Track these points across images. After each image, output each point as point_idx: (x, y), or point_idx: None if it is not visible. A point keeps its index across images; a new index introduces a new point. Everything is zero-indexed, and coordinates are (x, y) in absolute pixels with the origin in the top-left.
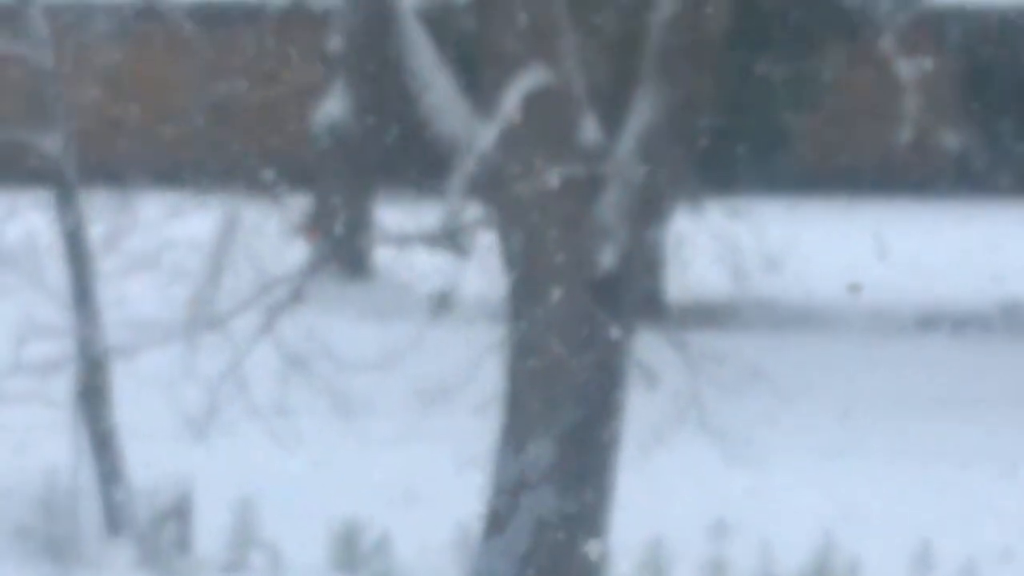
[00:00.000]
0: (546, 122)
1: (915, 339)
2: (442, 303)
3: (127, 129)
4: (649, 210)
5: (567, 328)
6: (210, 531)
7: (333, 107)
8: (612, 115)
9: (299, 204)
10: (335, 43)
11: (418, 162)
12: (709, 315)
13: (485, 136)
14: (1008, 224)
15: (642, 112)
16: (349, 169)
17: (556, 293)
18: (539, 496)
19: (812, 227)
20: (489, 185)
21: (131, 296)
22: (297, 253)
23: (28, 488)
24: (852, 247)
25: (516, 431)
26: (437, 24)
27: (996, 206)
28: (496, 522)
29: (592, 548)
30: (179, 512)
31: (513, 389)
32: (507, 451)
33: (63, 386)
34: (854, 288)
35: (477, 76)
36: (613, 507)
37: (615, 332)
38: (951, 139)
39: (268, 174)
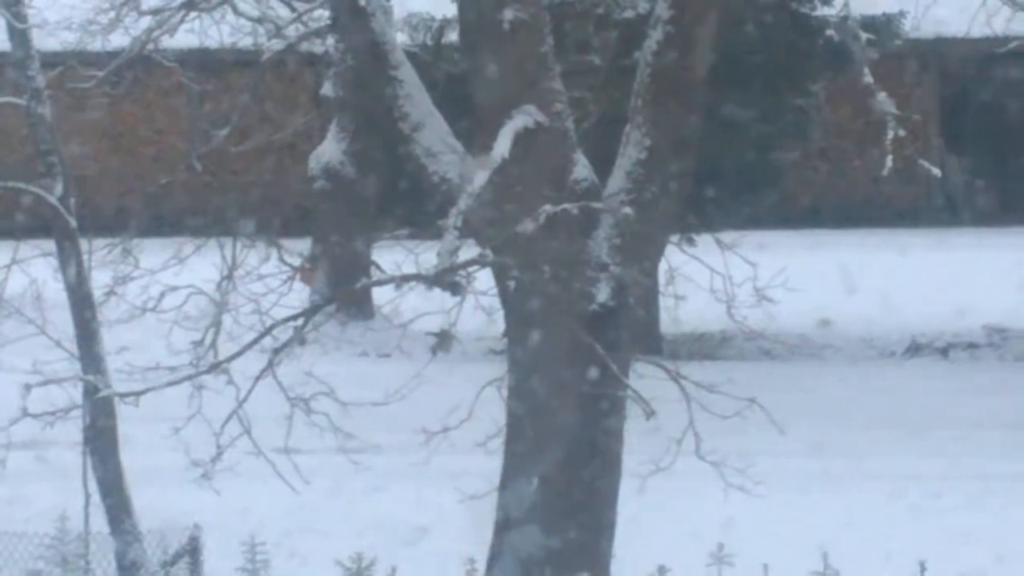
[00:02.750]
0: (538, 162)
1: (905, 365)
2: (441, 341)
3: (125, 177)
4: (641, 245)
5: (564, 363)
6: (221, 573)
7: (329, 150)
8: (602, 153)
9: (298, 247)
10: (329, 87)
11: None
12: (703, 346)
13: (478, 176)
14: (988, 250)
15: (632, 150)
16: (346, 211)
17: (552, 328)
18: (535, 532)
19: (797, 258)
20: (483, 224)
21: (134, 341)
22: (297, 296)
23: (39, 533)
24: (836, 277)
25: (517, 467)
26: (429, 66)
27: (975, 234)
28: (503, 552)
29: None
30: (190, 554)
31: (512, 425)
32: (509, 487)
33: (71, 432)
34: (825, 323)
35: (468, 118)
36: (613, 541)
37: (611, 365)
38: (932, 170)
39: (266, 218)
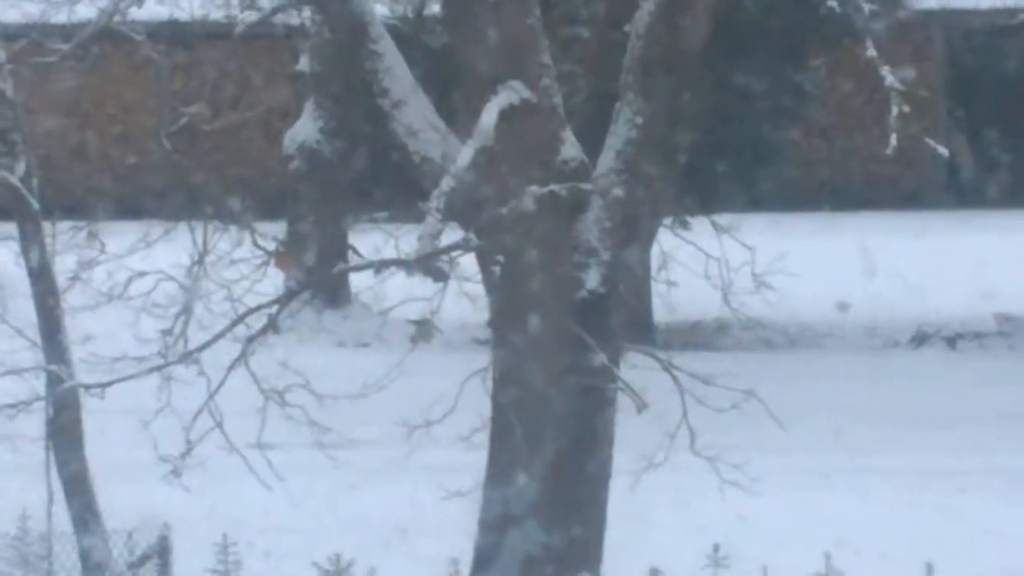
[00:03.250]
0: (524, 140)
1: (909, 355)
2: (422, 330)
3: (90, 157)
4: (633, 228)
5: (551, 353)
6: (191, 574)
7: (304, 129)
8: (592, 131)
9: (272, 231)
10: (305, 63)
11: (393, 184)
12: (697, 335)
13: (462, 156)
14: (999, 234)
15: (622, 127)
16: (322, 193)
17: (539, 316)
18: (526, 530)
19: (798, 242)
20: (467, 206)
21: (100, 330)
22: (271, 281)
23: None
24: (840, 262)
25: (503, 462)
26: (410, 41)
27: (985, 217)
28: (484, 558)
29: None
30: (158, 555)
31: (498, 418)
32: (494, 483)
33: (33, 426)
34: (843, 306)
35: (452, 94)
36: (604, 538)
37: (601, 356)
38: (938, 149)
39: (239, 200)
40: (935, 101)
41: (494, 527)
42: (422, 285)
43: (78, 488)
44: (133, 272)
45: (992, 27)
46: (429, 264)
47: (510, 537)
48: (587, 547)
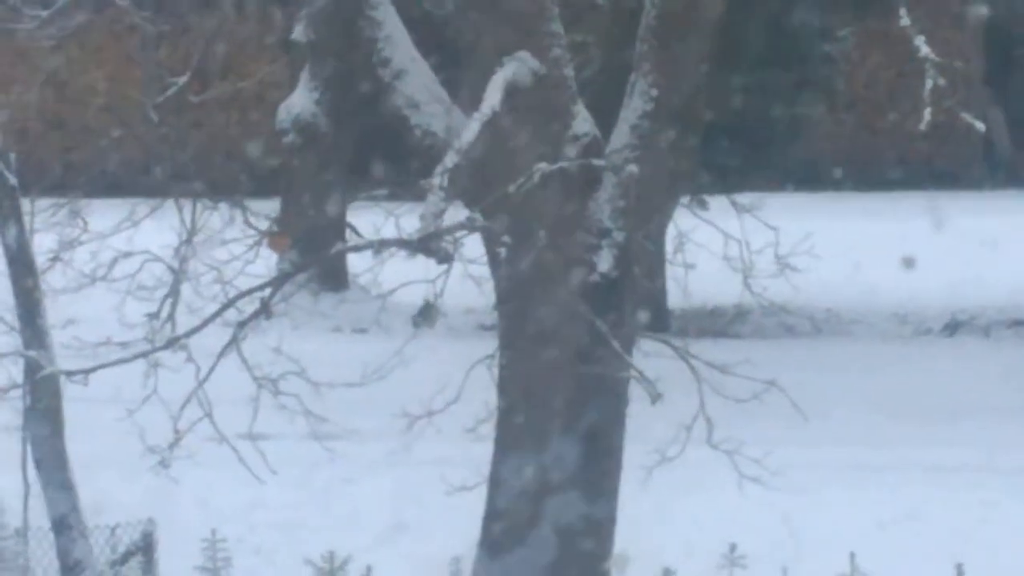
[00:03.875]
0: (533, 114)
1: (941, 344)
2: (425, 315)
3: (71, 130)
4: (648, 207)
5: (562, 338)
6: (177, 572)
7: (299, 101)
8: (606, 105)
9: (265, 209)
10: (300, 31)
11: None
12: (715, 322)
13: (467, 130)
14: None
15: (637, 100)
16: (318, 169)
17: (548, 301)
18: (539, 516)
19: (824, 224)
20: (472, 184)
21: (83, 314)
22: (264, 263)
23: None
24: (869, 245)
25: (511, 449)
26: (411, 8)
27: (1020, 196)
28: (492, 548)
29: (611, 562)
30: (142, 552)
31: (506, 405)
32: (500, 477)
33: (10, 415)
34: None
35: (458, 64)
36: (614, 535)
37: (614, 342)
38: (975, 124)
39: (230, 177)
40: (971, 74)
41: (500, 522)
42: (424, 267)
43: (57, 481)
44: (118, 252)
45: None
46: (432, 245)
47: (517, 533)
48: (598, 544)
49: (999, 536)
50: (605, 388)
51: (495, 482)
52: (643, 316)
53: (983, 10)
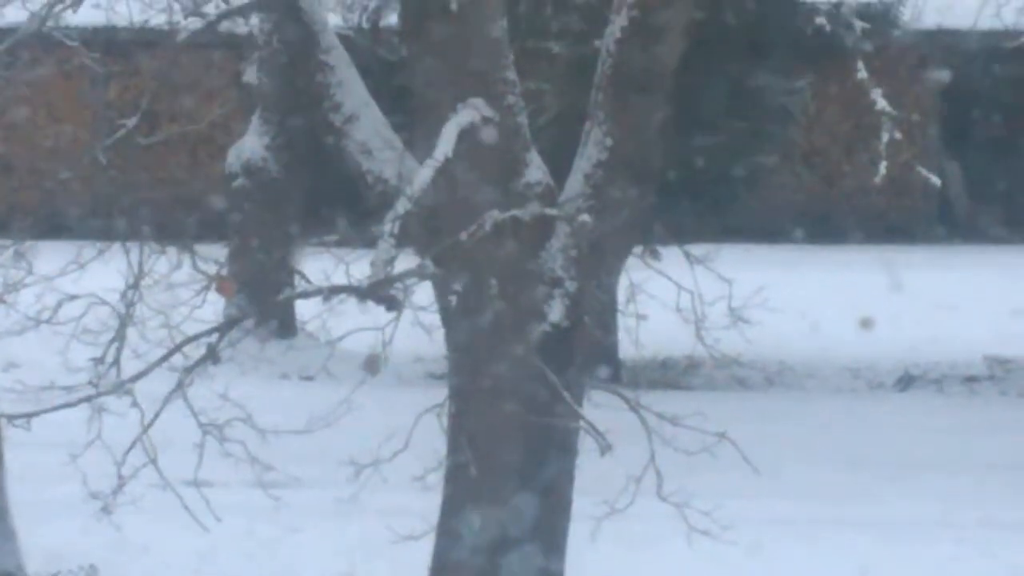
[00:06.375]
0: (487, 161)
1: (894, 398)
2: (371, 363)
3: (17, 171)
4: (600, 257)
5: (512, 388)
6: None
7: (250, 144)
8: (559, 153)
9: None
10: (251, 74)
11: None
12: (667, 373)
13: (419, 177)
14: (993, 270)
15: (592, 149)
16: (268, 213)
17: (498, 350)
18: (489, 569)
19: (778, 276)
20: (424, 231)
21: (26, 357)
22: (212, 308)
23: None
24: (823, 298)
25: (457, 504)
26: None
27: (978, 252)
28: None
29: None
30: None
31: (455, 455)
32: (448, 527)
33: None
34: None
35: (409, 110)
36: None
37: (564, 393)
38: (930, 178)
39: (179, 220)
40: (927, 127)
41: (447, 573)
42: (374, 314)
43: None
44: (63, 295)
45: (990, 50)
46: (382, 292)
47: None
48: None
49: None
50: (555, 439)
51: (443, 533)
52: (594, 367)
53: (945, 75)
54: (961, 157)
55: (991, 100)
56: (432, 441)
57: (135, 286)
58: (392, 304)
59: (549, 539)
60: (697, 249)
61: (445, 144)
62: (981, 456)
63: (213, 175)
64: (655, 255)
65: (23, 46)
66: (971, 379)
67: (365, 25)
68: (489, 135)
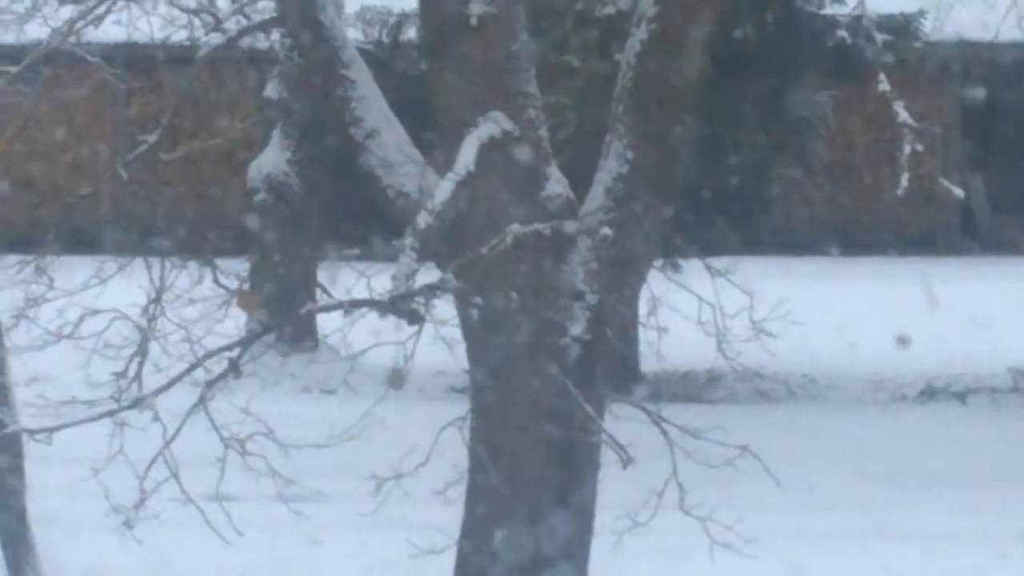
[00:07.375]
0: (508, 174)
1: (917, 410)
2: (394, 377)
3: (39, 187)
4: (621, 271)
5: (533, 403)
6: None
7: (271, 159)
8: (580, 166)
9: (235, 268)
10: (272, 89)
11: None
12: (688, 386)
13: (440, 191)
14: (1015, 282)
15: (612, 163)
16: (289, 228)
17: (520, 364)
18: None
19: (800, 288)
20: (445, 245)
21: (48, 372)
22: (233, 322)
23: None
24: (846, 310)
25: (479, 517)
26: (385, 67)
27: (1002, 264)
28: None
29: None
30: None
31: (476, 470)
32: (470, 540)
33: None
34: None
35: (431, 125)
36: None
37: (585, 406)
38: (953, 190)
39: (200, 235)
40: (950, 139)
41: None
42: (395, 328)
43: (16, 540)
44: (85, 310)
45: (1013, 60)
46: (403, 306)
47: None
48: None
49: None
50: (577, 452)
51: (464, 546)
52: (615, 380)
53: (980, 92)
54: (984, 169)
55: (1014, 112)
56: (454, 455)
57: (157, 301)
58: (414, 318)
59: (570, 551)
60: (718, 262)
61: (466, 158)
62: (1008, 468)
63: (234, 190)
64: (676, 268)
65: (45, 62)
66: (994, 391)
67: (385, 40)
68: (522, 153)
